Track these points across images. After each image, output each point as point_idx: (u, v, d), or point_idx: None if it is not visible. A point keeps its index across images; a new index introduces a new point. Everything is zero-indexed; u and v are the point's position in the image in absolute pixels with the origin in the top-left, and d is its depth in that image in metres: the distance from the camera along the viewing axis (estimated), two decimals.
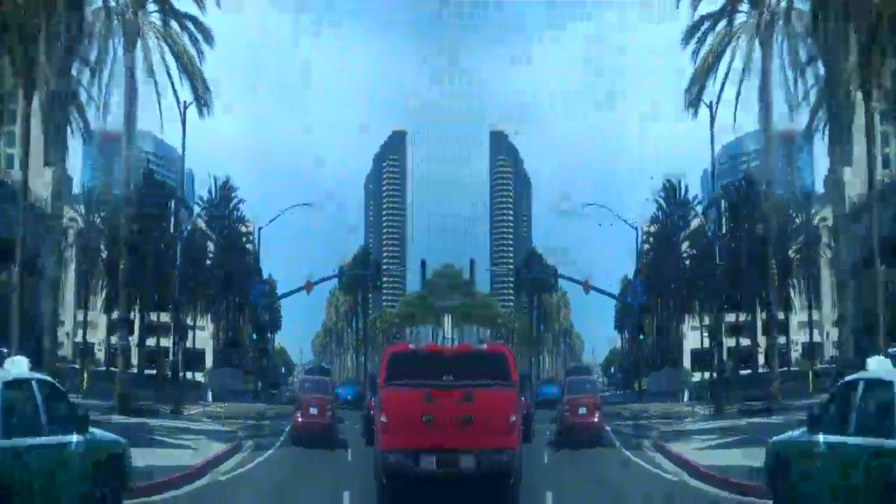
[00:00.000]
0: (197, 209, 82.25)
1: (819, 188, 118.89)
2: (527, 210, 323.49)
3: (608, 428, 40.24)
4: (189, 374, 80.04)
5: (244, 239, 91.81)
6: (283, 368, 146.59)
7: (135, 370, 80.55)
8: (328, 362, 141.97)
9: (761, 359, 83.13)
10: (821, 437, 15.62)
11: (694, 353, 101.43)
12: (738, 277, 65.51)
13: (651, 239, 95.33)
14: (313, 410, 35.49)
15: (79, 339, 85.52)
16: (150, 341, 77.20)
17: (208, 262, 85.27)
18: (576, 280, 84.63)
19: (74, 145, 58.89)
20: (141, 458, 25.60)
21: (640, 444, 35.55)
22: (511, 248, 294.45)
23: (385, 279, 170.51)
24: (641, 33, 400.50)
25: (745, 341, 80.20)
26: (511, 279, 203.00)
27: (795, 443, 16.87)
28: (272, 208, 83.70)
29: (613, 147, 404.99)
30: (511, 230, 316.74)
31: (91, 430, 16.50)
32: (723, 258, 57.90)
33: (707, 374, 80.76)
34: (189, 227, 69.18)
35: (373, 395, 29.72)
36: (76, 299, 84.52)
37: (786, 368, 65.25)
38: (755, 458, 26.14)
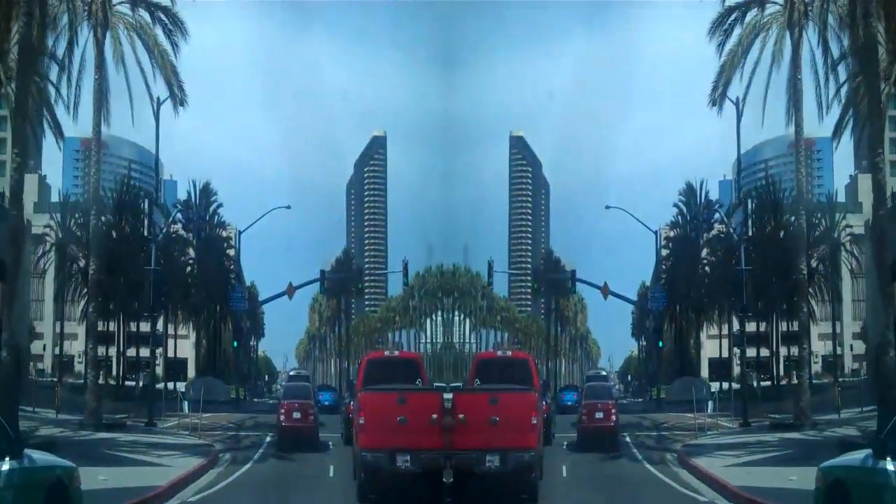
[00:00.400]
0: (175, 213, 78.55)
1: (840, 197, 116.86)
2: (545, 215, 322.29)
3: (628, 439, 40.36)
4: (171, 385, 77.78)
5: (225, 244, 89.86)
6: (266, 376, 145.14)
7: (117, 382, 78.71)
8: (308, 369, 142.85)
9: (776, 370, 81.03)
10: (890, 465, 13.37)
11: (712, 362, 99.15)
12: (764, 284, 63.13)
13: (670, 244, 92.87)
14: (297, 415, 37.10)
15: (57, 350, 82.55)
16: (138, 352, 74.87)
17: (189, 268, 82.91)
18: (594, 284, 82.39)
19: (55, 155, 56.61)
20: (103, 478, 23.77)
21: (663, 458, 33.70)
22: (530, 253, 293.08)
23: (367, 282, 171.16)
24: (662, 40, 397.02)
25: (764, 351, 77.85)
26: (528, 284, 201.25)
27: (857, 469, 14.53)
28: (256, 217, 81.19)
29: (630, 154, 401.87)
30: (529, 234, 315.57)
31: (31, 453, 14.25)
32: (748, 263, 55.25)
33: (725, 385, 78.45)
34: (165, 230, 65.55)
35: (351, 399, 31.57)
36: (55, 310, 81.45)
37: (808, 381, 62.65)
38: (791, 478, 23.95)
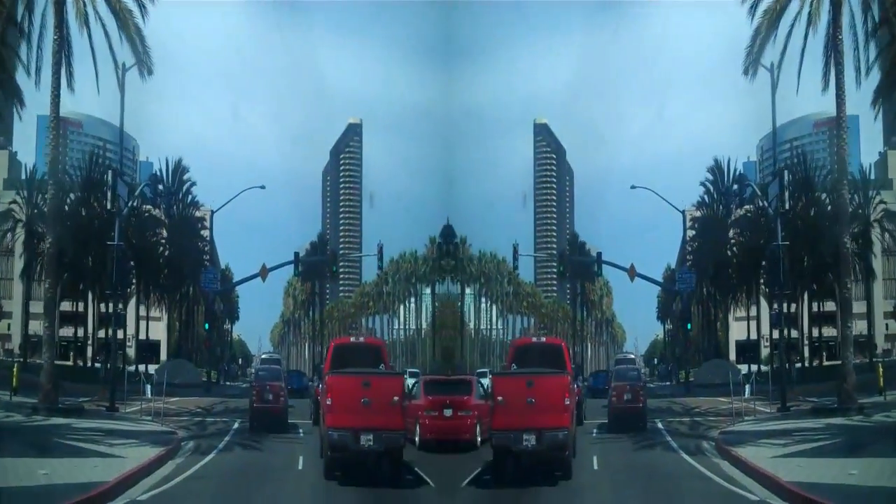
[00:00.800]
0: (142, 186, 74.88)
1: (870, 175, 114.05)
2: (570, 200, 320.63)
3: (661, 426, 39.66)
4: (143, 367, 76.61)
5: (199, 225, 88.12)
6: (240, 359, 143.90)
7: (86, 363, 76.52)
8: (283, 352, 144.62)
9: (811, 351, 78.55)
10: None
11: (739, 344, 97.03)
12: (799, 262, 60.28)
13: (696, 225, 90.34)
14: (269, 396, 38.75)
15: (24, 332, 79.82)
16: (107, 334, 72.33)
17: (161, 248, 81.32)
18: (621, 266, 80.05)
19: (29, 132, 53.76)
20: (43, 472, 21.62)
21: (700, 447, 31.31)
22: (555, 239, 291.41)
23: (342, 268, 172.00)
24: (685, 21, 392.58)
25: (792, 334, 75.54)
26: (554, 270, 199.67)
27: None
28: (233, 204, 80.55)
29: (653, 140, 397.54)
30: (554, 219, 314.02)
31: None
32: (785, 240, 52.24)
33: (754, 367, 76.12)
34: (130, 203, 61.40)
35: (319, 382, 33.32)
36: (25, 289, 78.65)
37: (839, 362, 59.83)
38: (851, 472, 21.42)
